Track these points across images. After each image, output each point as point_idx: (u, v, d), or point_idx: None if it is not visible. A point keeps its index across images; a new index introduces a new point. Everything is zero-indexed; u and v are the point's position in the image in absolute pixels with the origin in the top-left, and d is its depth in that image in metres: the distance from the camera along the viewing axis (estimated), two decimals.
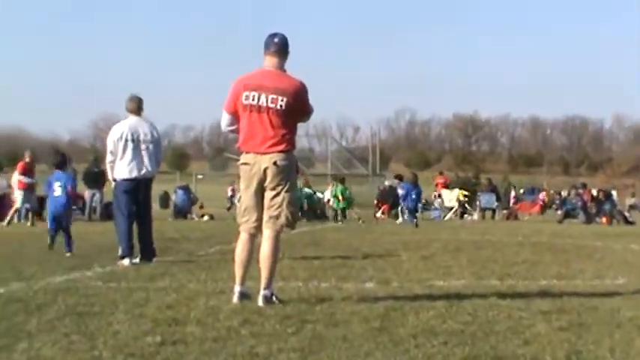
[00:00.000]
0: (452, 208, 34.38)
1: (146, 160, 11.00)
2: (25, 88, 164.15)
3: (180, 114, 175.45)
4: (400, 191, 28.37)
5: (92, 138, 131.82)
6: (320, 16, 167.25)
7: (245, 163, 7.10)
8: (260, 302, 6.86)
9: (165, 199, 39.63)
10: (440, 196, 35.82)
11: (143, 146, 11.03)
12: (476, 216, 33.71)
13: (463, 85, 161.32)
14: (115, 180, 11.11)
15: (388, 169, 71.97)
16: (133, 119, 11.12)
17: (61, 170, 12.78)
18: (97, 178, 25.84)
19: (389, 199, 32.89)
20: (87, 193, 26.46)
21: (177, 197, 31.07)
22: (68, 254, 11.62)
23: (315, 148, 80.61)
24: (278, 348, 5.02)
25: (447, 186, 36.92)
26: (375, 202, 34.61)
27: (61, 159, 13.00)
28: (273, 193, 7.05)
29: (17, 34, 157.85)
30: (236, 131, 7.25)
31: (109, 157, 11.04)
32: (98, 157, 30.64)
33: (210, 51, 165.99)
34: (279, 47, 7.13)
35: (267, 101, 6.99)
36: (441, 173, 41.32)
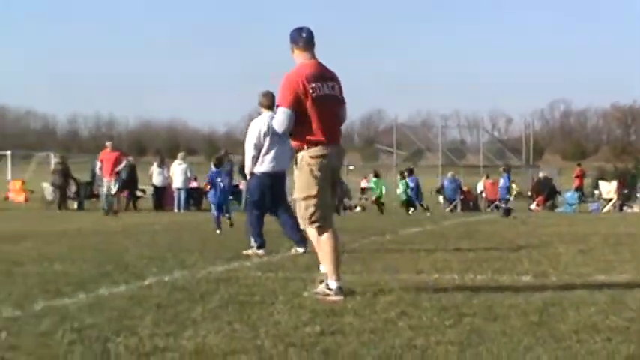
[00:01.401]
0: (610, 200, 33.21)
1: (284, 153, 11.11)
2: (186, 81, 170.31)
3: None
4: None
5: (246, 130, 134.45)
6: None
7: (324, 156, 7.08)
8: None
9: None
10: (597, 187, 34.71)
11: (282, 140, 10.98)
12: (636, 208, 32.41)
13: (620, 74, 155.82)
14: (252, 174, 11.22)
15: (542, 160, 70.36)
16: (269, 114, 11.04)
17: (219, 168, 15.47)
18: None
19: (543, 191, 32.15)
20: (242, 184, 27.16)
21: None
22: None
23: (466, 139, 79.66)
24: (436, 340, 5.01)
25: (581, 178, 35.70)
26: (529, 193, 33.90)
27: (219, 159, 15.65)
28: (336, 183, 7.40)
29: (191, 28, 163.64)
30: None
31: (252, 152, 11.09)
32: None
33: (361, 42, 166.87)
34: (313, 39, 7.32)
35: (332, 90, 7.20)
36: (578, 165, 39.90)
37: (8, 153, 40.76)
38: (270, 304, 6.45)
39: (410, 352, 4.77)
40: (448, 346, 4.88)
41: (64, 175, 28.86)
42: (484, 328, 5.46)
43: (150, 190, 30.27)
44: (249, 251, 10.94)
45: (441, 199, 33.68)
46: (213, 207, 15.48)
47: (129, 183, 27.66)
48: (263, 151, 11.11)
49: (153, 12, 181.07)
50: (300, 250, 10.92)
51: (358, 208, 29.72)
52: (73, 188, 29.53)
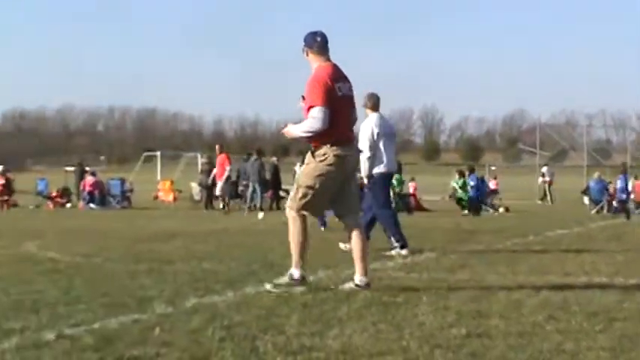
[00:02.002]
0: None
1: (394, 154, 11.44)
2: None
3: (474, 106, 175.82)
4: None
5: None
6: None
7: (346, 156, 7.33)
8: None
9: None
10: None
11: (392, 140, 11.44)
12: None
13: None
14: (371, 176, 11.19)
15: None
16: (377, 115, 11.29)
17: None
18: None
19: None
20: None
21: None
22: None
23: (612, 139, 77.05)
24: (587, 346, 4.87)
25: None
26: None
27: None
28: (356, 182, 7.71)
29: None
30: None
31: (367, 153, 10.98)
32: None
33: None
34: (327, 42, 7.53)
35: (349, 91, 7.49)
36: None
37: (158, 153, 42.24)
38: (415, 305, 6.43)
39: (559, 357, 4.66)
40: (600, 351, 4.74)
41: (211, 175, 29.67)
42: (637, 333, 5.28)
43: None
44: (393, 252, 10.96)
45: (586, 200, 32.61)
46: None
47: (273, 183, 28.20)
48: (377, 152, 11.16)
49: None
50: (401, 251, 10.92)
51: (501, 209, 29.13)
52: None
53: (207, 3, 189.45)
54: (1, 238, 13.70)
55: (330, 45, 7.50)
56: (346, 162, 7.37)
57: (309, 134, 7.32)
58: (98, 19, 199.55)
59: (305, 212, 7.41)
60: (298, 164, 29.92)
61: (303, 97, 7.41)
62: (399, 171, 27.53)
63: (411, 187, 33.22)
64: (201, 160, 34.96)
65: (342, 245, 11.06)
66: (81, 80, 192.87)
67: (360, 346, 4.91)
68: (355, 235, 7.45)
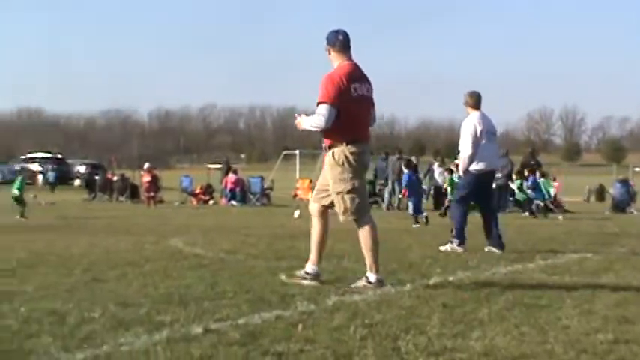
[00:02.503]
0: None
1: (496, 152, 11.57)
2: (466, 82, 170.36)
3: (615, 106, 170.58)
4: None
5: (526, 130, 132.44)
6: None
7: (361, 153, 7.43)
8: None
9: (600, 193, 38.60)
10: None
11: (493, 138, 11.37)
12: None
13: None
14: (466, 172, 11.24)
15: None
16: (478, 113, 11.26)
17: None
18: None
19: None
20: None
21: (615, 190, 30.03)
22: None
23: None
24: None
25: None
26: None
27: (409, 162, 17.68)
28: (365, 180, 7.77)
29: None
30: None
31: (470, 150, 11.05)
32: (534, 150, 30.90)
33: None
34: (350, 41, 7.58)
35: (367, 92, 7.51)
36: None
37: (297, 152, 42.77)
38: (558, 308, 6.31)
39: None
40: None
41: None
42: None
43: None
44: (447, 247, 11.07)
45: None
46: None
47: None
48: (479, 150, 11.12)
49: None
50: (495, 250, 10.94)
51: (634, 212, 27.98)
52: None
53: None
54: (149, 233, 14.21)
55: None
56: (363, 158, 7.50)
57: (315, 129, 7.46)
58: (246, 19, 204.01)
59: (362, 216, 7.47)
60: (436, 164, 29.77)
61: (298, 115, 7.74)
62: (543, 175, 26.90)
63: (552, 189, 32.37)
64: None
65: (442, 248, 11.19)
66: (222, 80, 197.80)
67: (503, 348, 4.86)
68: (365, 231, 7.50)
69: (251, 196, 31.58)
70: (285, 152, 37.99)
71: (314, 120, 7.42)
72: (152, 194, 29.55)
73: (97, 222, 19.19)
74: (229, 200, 31.12)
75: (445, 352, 4.76)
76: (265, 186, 32.59)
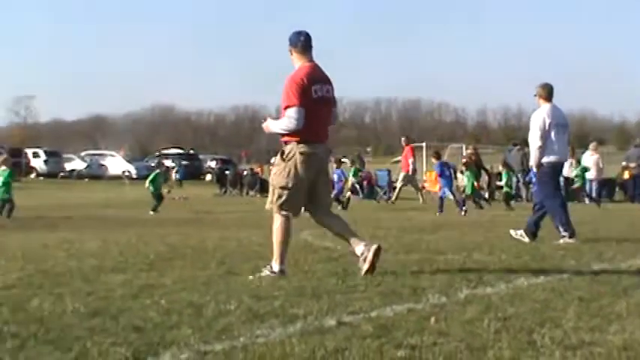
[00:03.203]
0: None
1: (566, 145, 11.52)
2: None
3: None
4: None
5: None
6: None
7: (313, 154, 7.55)
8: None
9: None
10: None
11: (563, 131, 11.30)
12: None
13: None
14: (540, 165, 11.23)
15: None
16: (549, 105, 11.25)
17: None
18: None
19: None
20: None
21: None
22: None
23: None
24: None
25: None
26: None
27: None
28: (325, 179, 7.97)
29: None
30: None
31: (538, 143, 11.11)
32: None
33: None
34: (311, 42, 7.75)
35: (327, 93, 7.65)
36: None
37: (423, 144, 42.55)
38: None
39: None
40: None
41: (476, 166, 29.50)
42: None
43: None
44: (561, 241, 10.82)
45: None
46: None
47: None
48: (549, 142, 11.10)
49: None
50: (569, 240, 10.84)
51: None
52: (485, 178, 30.09)
53: None
54: None
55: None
56: (313, 160, 7.59)
57: (286, 132, 7.55)
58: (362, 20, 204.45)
59: (285, 212, 7.62)
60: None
61: (265, 119, 7.92)
62: None
63: None
64: (466, 152, 34.84)
65: (512, 232, 11.37)
66: (349, 74, 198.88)
67: None
68: (332, 222, 7.88)
69: (378, 189, 31.64)
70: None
71: (284, 123, 7.55)
72: None
73: (229, 216, 19.66)
74: (356, 194, 31.28)
75: (583, 346, 4.66)
76: (392, 179, 32.58)
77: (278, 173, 7.67)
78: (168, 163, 52.96)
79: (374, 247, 7.60)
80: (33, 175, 52.74)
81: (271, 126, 7.78)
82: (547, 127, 11.11)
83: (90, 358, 4.44)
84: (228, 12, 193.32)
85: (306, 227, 13.95)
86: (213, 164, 55.36)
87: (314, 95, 7.54)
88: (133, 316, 5.61)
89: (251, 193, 36.23)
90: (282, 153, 7.65)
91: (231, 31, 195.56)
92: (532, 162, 11.45)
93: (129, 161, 56.72)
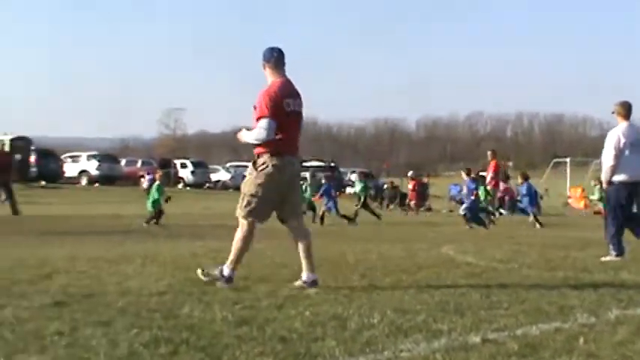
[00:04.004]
0: None
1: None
2: None
3: None
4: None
5: None
6: None
7: (284, 166, 7.78)
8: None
9: None
10: None
11: (638, 150, 11.13)
12: None
13: None
14: (611, 183, 11.26)
15: None
16: (626, 124, 11.26)
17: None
18: None
19: None
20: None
21: None
22: None
23: None
24: None
25: None
26: None
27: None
28: (296, 190, 8.22)
29: None
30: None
31: (611, 161, 11.16)
32: None
33: None
34: (284, 58, 7.99)
35: (298, 107, 7.90)
36: None
37: (567, 159, 41.54)
38: None
39: None
40: None
41: None
42: None
43: None
44: (607, 258, 10.88)
45: None
46: None
47: None
48: (622, 160, 11.07)
49: None
50: (615, 258, 10.80)
51: None
52: None
53: None
54: (420, 241, 14.41)
55: None
56: (285, 171, 7.83)
57: (257, 142, 7.78)
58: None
59: (250, 219, 7.84)
60: None
61: (255, 107, 7.83)
62: None
63: None
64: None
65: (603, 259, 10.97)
66: (488, 90, 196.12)
67: None
68: (299, 237, 8.00)
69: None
70: (555, 160, 37.03)
71: (256, 133, 7.77)
72: (415, 201, 29.88)
73: (369, 228, 19.74)
74: (498, 209, 30.77)
75: None
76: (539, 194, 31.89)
77: (249, 182, 7.92)
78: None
79: (312, 280, 7.88)
80: (180, 185, 54.47)
81: (244, 136, 8.00)
82: (621, 146, 11.16)
83: None
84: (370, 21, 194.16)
85: (446, 242, 13.89)
86: (353, 177, 55.66)
87: (287, 109, 7.79)
88: (278, 326, 5.72)
89: (391, 206, 36.23)
90: (255, 163, 7.90)
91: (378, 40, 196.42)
92: (603, 179, 11.58)
93: None
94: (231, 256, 7.90)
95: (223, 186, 55.10)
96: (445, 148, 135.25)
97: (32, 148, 49.25)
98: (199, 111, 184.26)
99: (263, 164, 7.83)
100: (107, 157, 55.17)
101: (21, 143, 47.45)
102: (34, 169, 47.62)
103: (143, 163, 55.28)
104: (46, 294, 6.91)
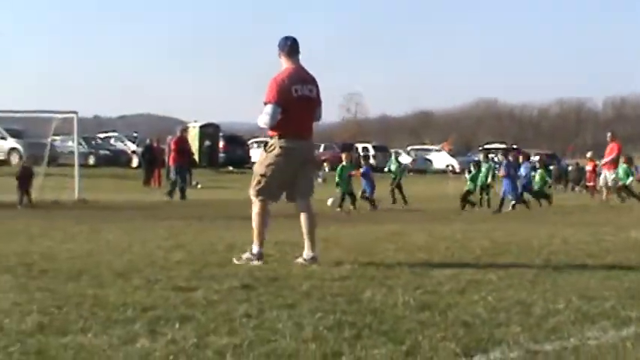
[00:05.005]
0: None
1: None
2: None
3: None
4: None
5: None
6: None
7: (292, 148, 8.26)
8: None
9: None
10: None
11: None
12: None
13: None
14: None
15: None
16: None
17: None
18: None
19: None
20: None
21: None
22: None
23: None
24: None
25: None
26: None
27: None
28: (306, 172, 8.58)
29: None
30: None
31: None
32: None
33: None
34: (298, 47, 8.53)
35: (310, 92, 8.37)
36: None
37: None
38: None
39: None
40: None
41: None
42: None
43: None
44: None
45: None
46: None
47: None
48: None
49: None
50: None
51: None
52: None
53: None
54: (606, 224, 13.91)
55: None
56: (293, 153, 8.28)
57: (263, 126, 8.40)
58: None
59: (261, 197, 8.35)
60: None
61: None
62: None
63: None
64: None
65: None
66: None
67: None
68: (303, 216, 8.40)
69: None
70: None
71: (261, 118, 8.30)
72: (592, 183, 28.86)
73: (555, 211, 19.27)
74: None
75: None
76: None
77: (259, 162, 8.52)
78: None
79: (311, 257, 8.28)
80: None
81: (258, 120, 8.47)
82: None
83: (421, 351, 4.59)
84: None
85: (635, 226, 13.33)
86: (536, 159, 54.27)
87: (294, 94, 8.26)
88: (461, 311, 5.70)
89: (577, 188, 35.12)
90: (265, 145, 8.58)
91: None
92: None
93: (453, 156, 57.28)
94: (254, 236, 8.38)
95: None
96: (635, 128, 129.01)
97: (220, 134, 51.00)
98: (379, 95, 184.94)
99: (271, 146, 8.38)
100: None
101: (210, 130, 49.30)
102: (222, 155, 49.34)
103: (325, 148, 56.08)
104: (235, 277, 7.18)
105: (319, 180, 21.17)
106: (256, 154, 53.56)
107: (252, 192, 8.48)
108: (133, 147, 47.66)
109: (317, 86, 8.58)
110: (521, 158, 22.48)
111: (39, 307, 5.73)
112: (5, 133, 41.67)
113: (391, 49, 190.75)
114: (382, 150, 59.12)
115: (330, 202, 19.40)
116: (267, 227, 8.50)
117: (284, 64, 8.54)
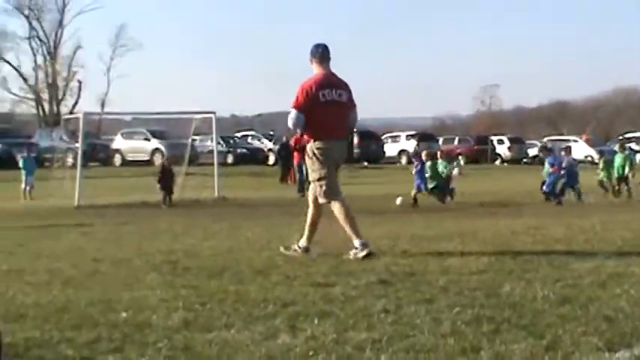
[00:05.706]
0: None
1: None
2: None
3: None
4: None
5: None
6: None
7: (326, 148, 8.64)
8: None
9: None
10: None
11: None
12: None
13: None
14: None
15: None
16: None
17: None
18: None
19: None
20: None
21: None
22: None
23: None
24: None
25: None
26: None
27: None
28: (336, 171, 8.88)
29: None
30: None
31: None
32: None
33: None
34: (329, 54, 8.88)
35: (339, 97, 8.70)
36: None
37: None
38: None
39: None
40: None
41: None
42: None
43: None
44: None
45: None
46: None
47: None
48: None
49: None
50: None
51: None
52: None
53: None
54: None
55: None
56: (327, 152, 8.65)
57: (290, 128, 9.00)
58: None
59: (334, 198, 8.59)
60: None
61: None
62: None
63: None
64: None
65: None
66: None
67: None
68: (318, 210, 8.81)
69: None
70: None
71: (288, 122, 8.77)
72: None
73: None
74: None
75: None
76: None
77: (311, 171, 8.81)
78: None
79: (304, 247, 8.77)
80: (498, 162, 54.03)
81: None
82: None
83: (562, 346, 4.53)
84: None
85: None
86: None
87: (321, 99, 8.61)
88: (602, 305, 5.58)
89: None
90: (304, 150, 8.85)
91: None
92: None
93: (591, 146, 55.59)
94: (350, 233, 8.54)
95: (540, 161, 53.81)
96: None
97: (355, 130, 51.22)
98: (514, 86, 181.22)
99: (310, 151, 8.72)
100: (425, 136, 55.94)
101: None
102: (356, 151, 49.58)
103: (460, 141, 55.52)
104: (372, 272, 7.25)
105: (455, 172, 20.60)
106: (390, 149, 53.92)
107: (323, 200, 8.73)
108: (269, 145, 48.54)
109: (349, 91, 8.91)
110: None
111: (184, 303, 5.96)
112: (149, 135, 43.36)
113: (529, 39, 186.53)
114: (518, 142, 58.04)
115: (398, 201, 18.93)
116: (355, 219, 8.72)
117: (314, 70, 8.88)
